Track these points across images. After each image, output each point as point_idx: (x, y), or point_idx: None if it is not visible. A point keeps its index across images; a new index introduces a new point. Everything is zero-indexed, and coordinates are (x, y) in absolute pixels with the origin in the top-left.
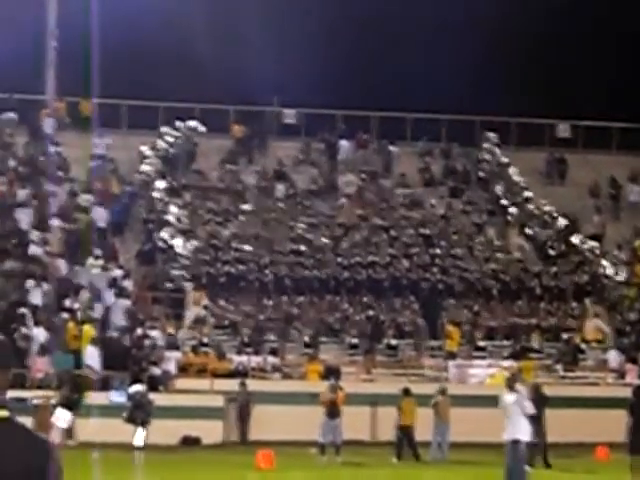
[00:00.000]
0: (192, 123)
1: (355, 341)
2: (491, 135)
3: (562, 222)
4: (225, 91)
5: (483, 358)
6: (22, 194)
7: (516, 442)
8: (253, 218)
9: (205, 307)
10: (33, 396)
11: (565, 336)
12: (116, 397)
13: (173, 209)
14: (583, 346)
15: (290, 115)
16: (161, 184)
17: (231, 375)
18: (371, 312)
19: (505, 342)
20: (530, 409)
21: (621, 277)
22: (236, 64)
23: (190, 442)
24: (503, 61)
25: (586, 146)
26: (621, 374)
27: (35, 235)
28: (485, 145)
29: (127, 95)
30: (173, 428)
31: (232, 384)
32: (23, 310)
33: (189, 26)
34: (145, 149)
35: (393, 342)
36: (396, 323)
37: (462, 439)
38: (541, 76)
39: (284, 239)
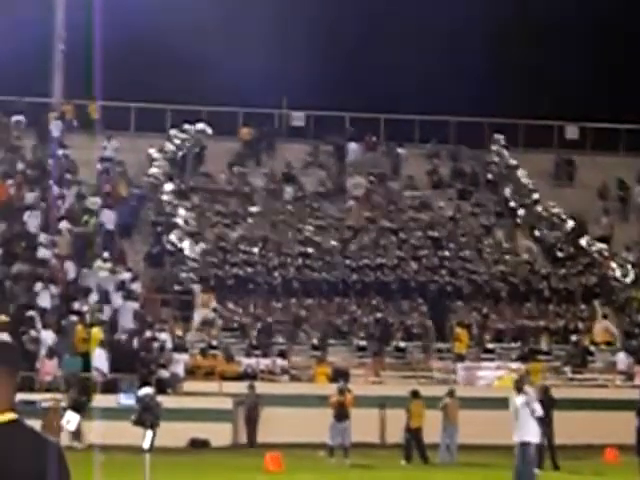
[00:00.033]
0: (200, 126)
1: (363, 343)
2: (499, 137)
3: (570, 224)
4: (233, 94)
5: (492, 360)
6: (30, 197)
7: (525, 444)
8: (261, 220)
9: (213, 309)
10: (42, 399)
11: (574, 338)
12: (125, 400)
13: (181, 212)
14: (592, 348)
15: (298, 117)
16: (169, 187)
17: (239, 377)
18: (379, 314)
19: (513, 344)
20: (539, 411)
21: (630, 279)
22: (244, 67)
23: (199, 445)
24: (511, 63)
25: (594, 148)
26: (630, 376)
27: (43, 238)
28: (493, 147)
29: (135, 98)
30: (181, 431)
31: (240, 386)
32: (31, 313)
33: (197, 29)
34: (153, 152)
35: (401, 344)
36: (404, 325)
37: (471, 441)
38: (549, 78)
39: (292, 241)
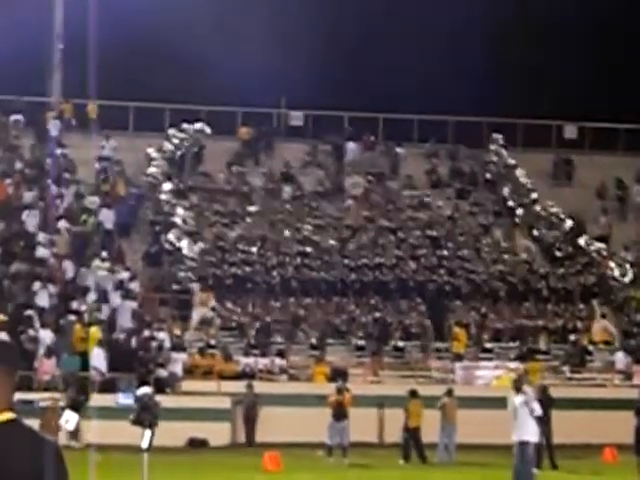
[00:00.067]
0: (199, 125)
1: (362, 343)
2: (498, 137)
3: (569, 223)
4: (232, 93)
5: (490, 360)
6: (29, 196)
7: (524, 443)
8: (260, 220)
9: (212, 309)
10: (40, 398)
11: (572, 338)
12: (123, 399)
13: (180, 211)
14: (590, 348)
15: (297, 117)
16: (168, 186)
17: (238, 377)
18: (378, 314)
19: (512, 344)
20: (538, 411)
21: (628, 278)
22: (243, 66)
23: (197, 444)
24: (510, 63)
25: (593, 147)
26: (628, 375)
27: (42, 237)
28: (492, 147)
29: (134, 97)
30: (180, 430)
31: (239, 386)
32: (30, 312)
33: (196, 29)
34: (152, 151)
35: (400, 344)
36: (403, 325)
37: (469, 441)
38: (548, 78)
39: (291, 241)
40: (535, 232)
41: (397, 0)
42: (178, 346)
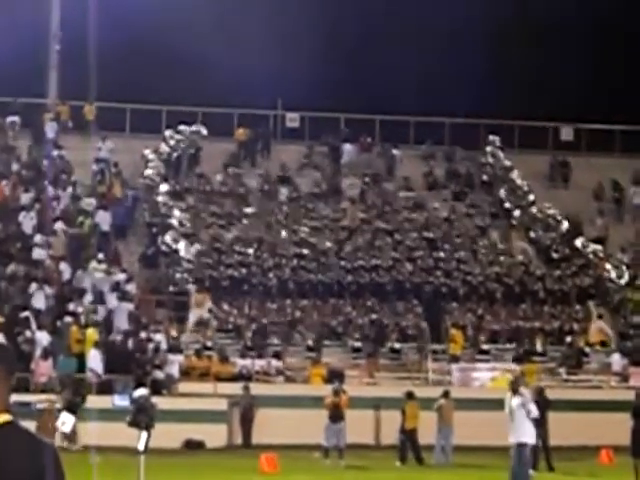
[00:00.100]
0: (195, 127)
1: (358, 345)
2: (494, 138)
3: (565, 225)
4: (228, 95)
5: (487, 361)
6: (25, 198)
7: (521, 445)
8: (256, 221)
9: (208, 310)
10: (37, 400)
11: (569, 339)
12: (119, 401)
13: (176, 213)
14: (587, 349)
15: (293, 118)
16: (164, 188)
17: (234, 379)
18: (374, 316)
19: (508, 345)
20: (535, 412)
21: (624, 280)
22: (239, 68)
23: (193, 446)
24: (506, 64)
25: (589, 149)
26: (625, 377)
27: (38, 239)
28: (488, 148)
29: (130, 99)
30: (176, 432)
31: (235, 387)
32: (26, 314)
33: (193, 30)
34: (148, 153)
35: (396, 346)
36: (399, 327)
37: (466, 442)
38: (544, 79)
39: (287, 242)
40: (531, 234)
41: (396, 0)
42: (174, 348)
